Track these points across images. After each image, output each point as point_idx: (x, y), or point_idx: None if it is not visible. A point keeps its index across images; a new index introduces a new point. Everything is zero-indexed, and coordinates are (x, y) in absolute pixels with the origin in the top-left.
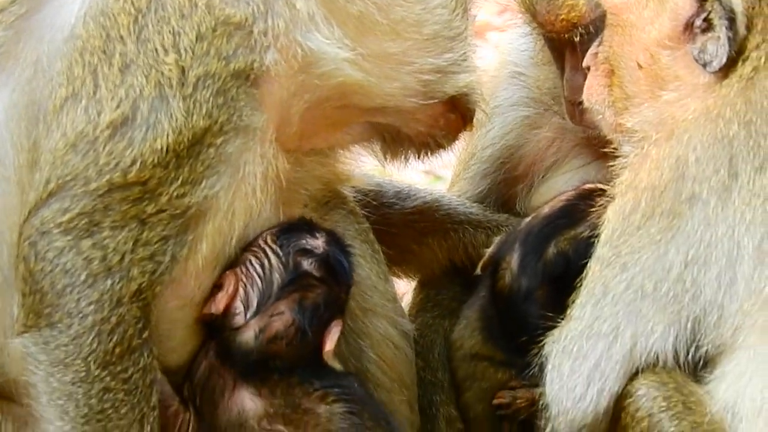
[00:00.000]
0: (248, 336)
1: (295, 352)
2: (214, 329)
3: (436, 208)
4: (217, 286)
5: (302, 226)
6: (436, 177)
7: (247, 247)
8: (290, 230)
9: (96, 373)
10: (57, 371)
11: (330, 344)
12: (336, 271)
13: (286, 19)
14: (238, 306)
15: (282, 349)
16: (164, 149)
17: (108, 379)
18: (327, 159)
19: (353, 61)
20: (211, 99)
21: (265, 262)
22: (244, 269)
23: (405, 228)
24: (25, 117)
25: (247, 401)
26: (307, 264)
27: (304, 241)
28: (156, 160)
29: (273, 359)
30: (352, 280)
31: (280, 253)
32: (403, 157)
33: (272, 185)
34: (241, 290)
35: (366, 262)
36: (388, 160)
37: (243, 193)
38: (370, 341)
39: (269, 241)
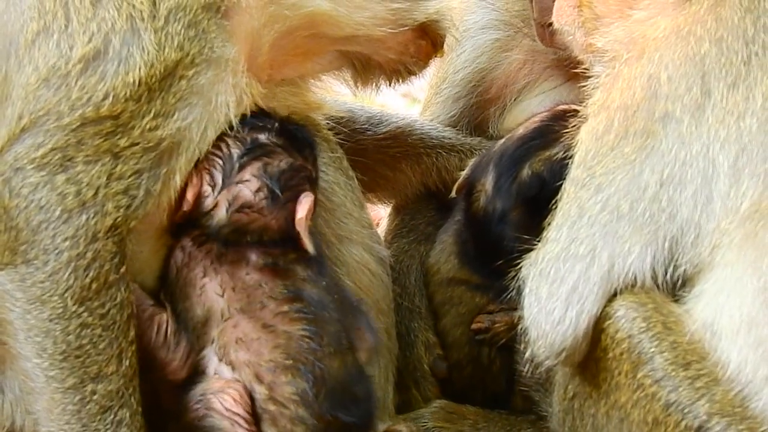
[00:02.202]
0: (220, 212)
1: (267, 221)
2: (185, 229)
3: (408, 133)
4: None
5: (255, 114)
6: (414, 99)
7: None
8: (244, 118)
9: (73, 309)
10: (34, 308)
11: (302, 211)
12: (296, 139)
13: None
14: (206, 190)
15: (253, 217)
16: (136, 82)
17: (85, 314)
18: (298, 89)
19: None
20: (182, 31)
21: (223, 146)
22: (205, 161)
23: (378, 154)
24: None
25: (214, 300)
26: (263, 136)
27: (257, 121)
28: (128, 94)
29: (245, 233)
30: (317, 152)
31: (237, 135)
32: (374, 84)
33: (244, 114)
34: (205, 176)
35: (340, 189)
36: (359, 88)
37: (216, 123)
38: (346, 268)
39: (227, 134)
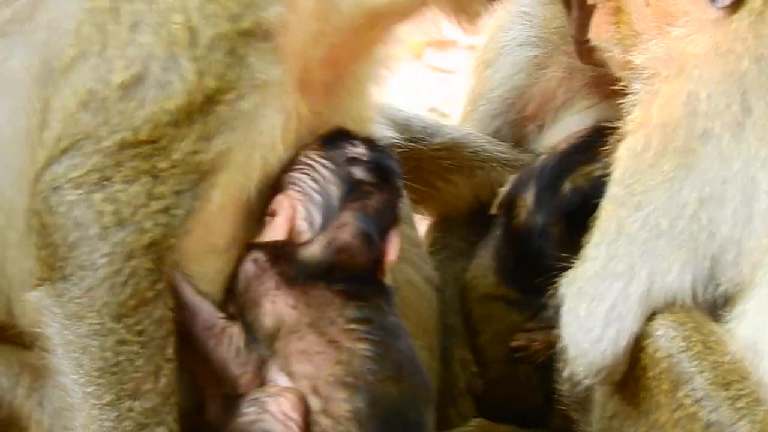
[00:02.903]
0: (314, 250)
1: (360, 262)
2: (261, 247)
3: (463, 145)
4: (268, 214)
5: (340, 136)
6: (442, 114)
7: (289, 168)
8: (330, 141)
9: (110, 326)
10: (71, 324)
11: (393, 253)
12: (387, 174)
13: None
14: (302, 224)
15: (348, 259)
16: (176, 109)
17: (122, 331)
18: (355, 98)
19: None
20: (222, 59)
21: (317, 176)
22: (296, 188)
23: (431, 164)
24: (38, 79)
25: (285, 312)
26: (359, 172)
27: (348, 150)
28: (168, 120)
29: (335, 271)
30: (403, 183)
31: (330, 165)
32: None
33: (293, 135)
34: (300, 209)
35: None
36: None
37: (261, 146)
38: (394, 285)
39: (313, 155)
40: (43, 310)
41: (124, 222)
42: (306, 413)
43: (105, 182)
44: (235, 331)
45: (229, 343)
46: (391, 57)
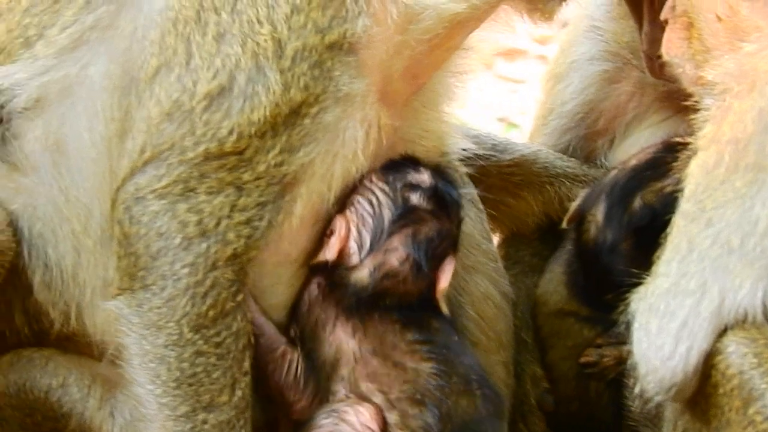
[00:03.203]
0: (363, 274)
1: (408, 289)
2: (323, 269)
3: (533, 161)
4: (328, 233)
5: (406, 162)
6: (511, 124)
7: (353, 189)
8: (395, 167)
9: (188, 337)
10: (150, 334)
11: (444, 281)
12: (446, 203)
13: None
14: (352, 246)
15: (396, 285)
16: (261, 120)
17: (200, 342)
18: (432, 112)
19: None
20: (308, 72)
21: (374, 200)
22: (353, 210)
23: (501, 181)
24: (119, 87)
25: (344, 340)
26: (415, 198)
27: (410, 176)
28: (253, 131)
29: (385, 297)
30: (463, 212)
31: (388, 190)
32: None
33: (374, 146)
34: (353, 231)
35: (470, 220)
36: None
37: (342, 157)
38: (470, 299)
39: (375, 179)
40: (121, 320)
41: (207, 233)
42: (384, 425)
43: (189, 193)
44: (295, 357)
45: (287, 369)
46: (465, 67)
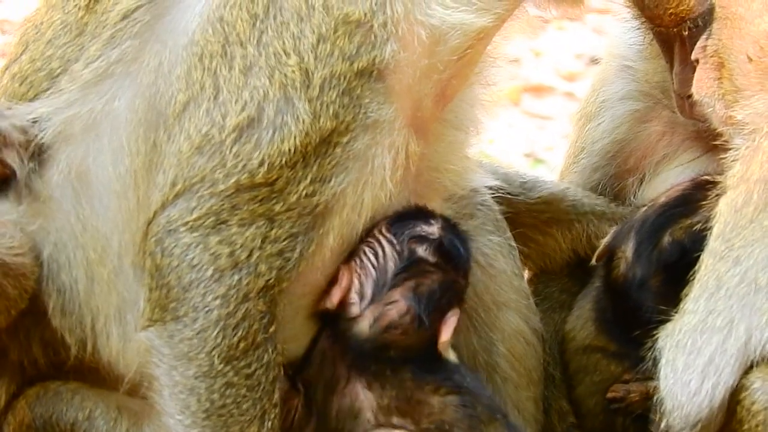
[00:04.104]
0: (363, 326)
1: (411, 342)
2: (330, 320)
3: (561, 199)
4: (332, 281)
5: (416, 214)
6: (538, 160)
7: (364, 238)
8: (404, 218)
9: (219, 368)
10: (180, 365)
11: (446, 335)
12: (452, 257)
13: (404, 2)
14: (353, 297)
15: (397, 338)
16: (291, 150)
17: (231, 374)
18: (454, 138)
19: (481, 9)
20: (337, 100)
21: (379, 251)
22: (358, 260)
23: (529, 218)
24: (145, 121)
25: (360, 393)
26: (421, 250)
27: (418, 228)
28: (283, 161)
29: (387, 349)
30: (470, 264)
31: (394, 241)
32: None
33: (402, 172)
34: (355, 281)
35: (503, 256)
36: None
37: (372, 185)
38: (501, 335)
39: (383, 230)
40: (151, 351)
41: (239, 264)
42: None
43: (221, 225)
44: (294, 404)
45: (286, 415)
46: (491, 100)
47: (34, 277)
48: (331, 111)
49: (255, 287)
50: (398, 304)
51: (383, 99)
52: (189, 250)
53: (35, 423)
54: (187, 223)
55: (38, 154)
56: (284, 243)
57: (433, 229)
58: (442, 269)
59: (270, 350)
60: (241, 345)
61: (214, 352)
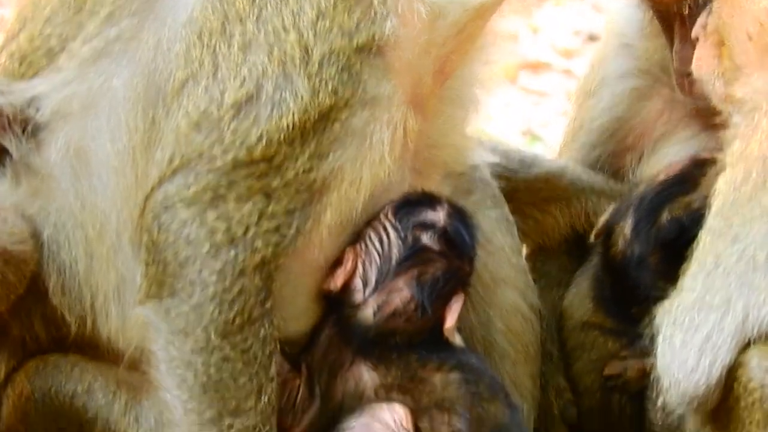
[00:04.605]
0: (367, 313)
1: (415, 329)
2: (335, 304)
3: (559, 176)
4: (337, 263)
5: (422, 200)
6: (535, 137)
7: (370, 221)
8: (410, 204)
9: (216, 343)
10: (177, 340)
11: (450, 320)
12: (456, 244)
13: None
14: (357, 283)
15: (401, 325)
16: (290, 127)
17: (227, 348)
18: (452, 115)
19: None
20: (336, 76)
21: (384, 237)
22: (363, 245)
23: (528, 195)
24: (143, 98)
25: (365, 374)
26: (426, 238)
27: (423, 215)
28: (281, 138)
29: (392, 336)
30: (475, 251)
31: (399, 228)
32: None
33: (401, 148)
34: (359, 267)
35: (501, 233)
36: None
37: (370, 161)
38: (499, 312)
39: (389, 215)
40: (148, 326)
41: (235, 240)
42: (416, 429)
43: (218, 201)
44: (296, 385)
45: (287, 395)
46: (488, 77)
47: (34, 263)
48: (330, 87)
49: (251, 263)
50: (402, 293)
51: (382, 75)
52: (185, 226)
53: (34, 395)
54: (184, 198)
55: (36, 133)
56: (281, 219)
57: (439, 216)
58: (447, 257)
59: (266, 325)
60: (237, 320)
61: (210, 327)
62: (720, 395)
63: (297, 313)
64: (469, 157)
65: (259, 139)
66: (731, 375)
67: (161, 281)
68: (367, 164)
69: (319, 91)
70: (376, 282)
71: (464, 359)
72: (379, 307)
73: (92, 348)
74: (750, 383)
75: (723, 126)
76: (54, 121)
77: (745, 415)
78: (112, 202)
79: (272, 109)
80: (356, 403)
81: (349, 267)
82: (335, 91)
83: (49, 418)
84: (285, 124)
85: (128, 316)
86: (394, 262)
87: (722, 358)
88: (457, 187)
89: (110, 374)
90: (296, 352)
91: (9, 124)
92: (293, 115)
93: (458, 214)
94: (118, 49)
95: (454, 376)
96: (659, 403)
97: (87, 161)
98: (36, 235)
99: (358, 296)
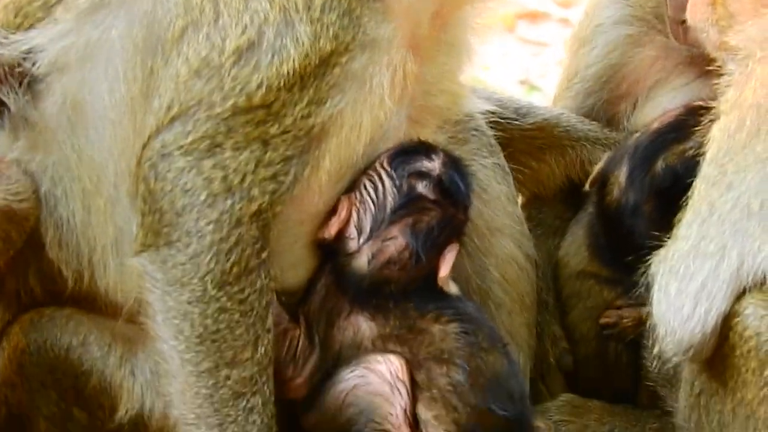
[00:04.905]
0: (361, 261)
1: (409, 277)
2: (330, 253)
3: (555, 125)
4: (332, 212)
5: (419, 149)
6: (533, 87)
7: (365, 170)
8: (406, 153)
9: (212, 293)
10: (173, 290)
11: (445, 269)
12: (451, 193)
13: None
14: (351, 231)
15: (395, 274)
16: (290, 73)
17: (224, 299)
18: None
19: None
20: (337, 21)
21: (379, 185)
22: (357, 194)
23: (523, 144)
24: (142, 49)
25: (362, 324)
26: (421, 187)
27: (419, 164)
28: (281, 84)
29: (386, 284)
30: (470, 201)
31: (394, 176)
32: None
33: (400, 91)
34: (354, 215)
35: (497, 181)
36: None
37: (370, 104)
38: (495, 260)
39: (384, 164)
40: (144, 276)
41: (232, 189)
42: (412, 381)
43: (215, 149)
44: (296, 335)
45: (288, 346)
46: (485, 25)
47: (35, 218)
48: (331, 33)
49: (248, 212)
50: (396, 241)
51: (382, 18)
52: (182, 175)
53: (29, 348)
54: (181, 147)
55: (33, 86)
56: (278, 166)
57: (434, 165)
58: (442, 206)
59: (263, 275)
60: (234, 270)
61: (207, 278)
62: (716, 343)
63: (295, 261)
64: (465, 105)
65: (260, 85)
66: (727, 323)
67: (157, 231)
68: (367, 108)
69: (320, 37)
70: (371, 230)
71: (462, 309)
72: (374, 255)
73: (89, 303)
74: (746, 331)
75: (717, 74)
76: (51, 74)
77: (740, 364)
78: (108, 154)
79: (273, 56)
80: (354, 353)
81: (344, 215)
82: (336, 36)
83: (44, 370)
84: (285, 71)
85: (126, 269)
86: (388, 210)
87: (718, 306)
88: (452, 136)
89: (106, 327)
90: (295, 303)
91: (5, 76)
92: (294, 61)
93: (454, 163)
94: (115, 0)
95: (453, 326)
96: (655, 351)
97: (84, 114)
98: (36, 191)
99: (353, 244)
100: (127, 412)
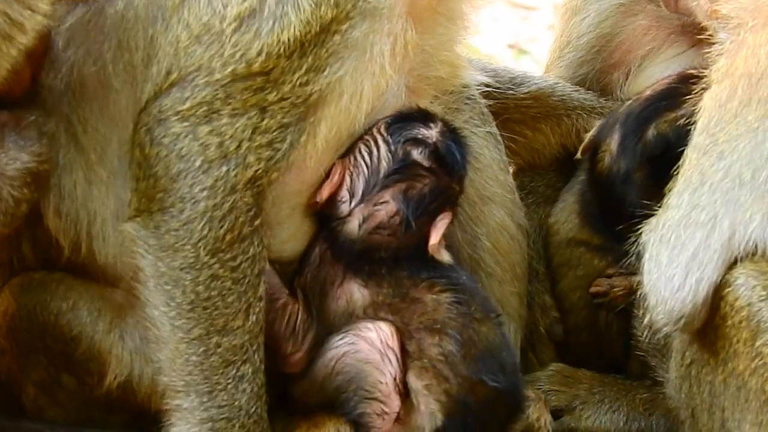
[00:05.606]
0: (352, 225)
1: (399, 243)
2: (324, 219)
3: (549, 94)
4: (327, 177)
5: (416, 116)
6: (521, 51)
7: (361, 136)
8: (403, 119)
9: (205, 260)
10: (166, 256)
11: (435, 237)
12: (447, 162)
13: None
14: (344, 195)
15: (386, 239)
16: (290, 40)
17: (216, 266)
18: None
19: None
20: None
21: (374, 150)
22: (352, 158)
23: (518, 114)
24: (144, 18)
25: (356, 291)
26: (416, 153)
27: (416, 131)
28: (281, 51)
29: (377, 250)
30: (466, 171)
31: (390, 142)
32: None
33: (401, 60)
34: (347, 178)
35: (489, 150)
36: None
37: (371, 72)
38: (486, 229)
39: (381, 129)
40: (137, 241)
41: (228, 156)
42: (403, 350)
43: (213, 115)
44: (295, 309)
45: (287, 320)
46: None
47: (48, 181)
48: (332, 0)
49: (242, 179)
50: (388, 206)
51: None
52: (178, 140)
53: (19, 312)
54: (178, 112)
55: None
56: (274, 134)
57: (431, 133)
58: (436, 174)
59: (256, 243)
60: (227, 237)
61: (200, 244)
62: (707, 313)
63: (295, 231)
64: (461, 76)
65: (260, 52)
66: (718, 293)
67: (151, 196)
68: (368, 76)
69: (321, 4)
70: (362, 194)
71: (456, 279)
72: (365, 219)
73: (84, 273)
74: (737, 302)
75: (709, 42)
76: (59, 51)
77: (732, 334)
78: (113, 124)
79: (274, 23)
80: (346, 321)
81: (336, 179)
82: (337, 4)
83: (34, 335)
84: (286, 38)
85: (116, 235)
86: (382, 174)
87: (709, 276)
88: (446, 105)
89: (95, 292)
90: (292, 275)
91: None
92: (294, 28)
93: (452, 132)
94: None
95: (446, 296)
96: (646, 321)
97: (86, 85)
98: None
99: (344, 207)
100: (115, 378)
